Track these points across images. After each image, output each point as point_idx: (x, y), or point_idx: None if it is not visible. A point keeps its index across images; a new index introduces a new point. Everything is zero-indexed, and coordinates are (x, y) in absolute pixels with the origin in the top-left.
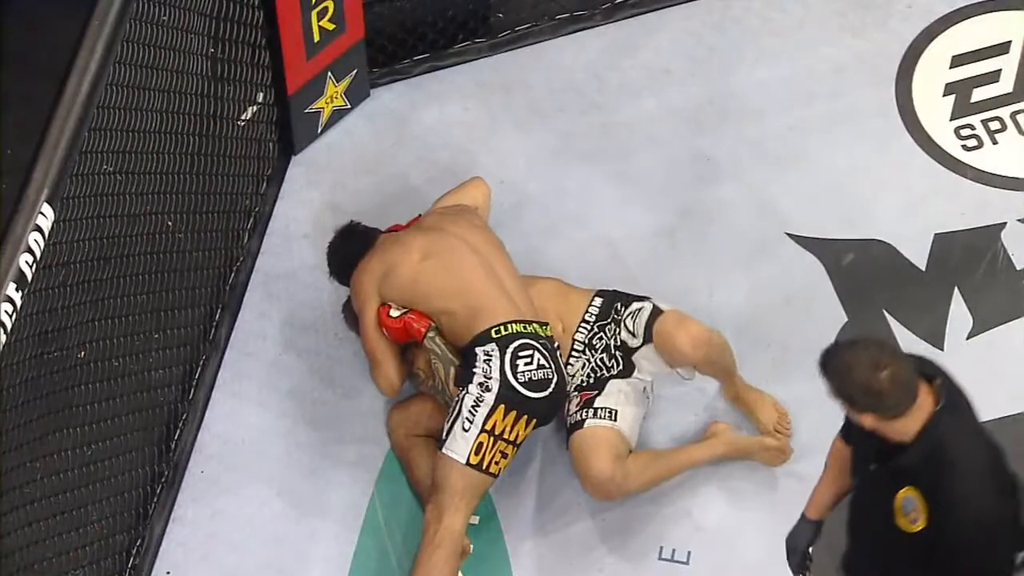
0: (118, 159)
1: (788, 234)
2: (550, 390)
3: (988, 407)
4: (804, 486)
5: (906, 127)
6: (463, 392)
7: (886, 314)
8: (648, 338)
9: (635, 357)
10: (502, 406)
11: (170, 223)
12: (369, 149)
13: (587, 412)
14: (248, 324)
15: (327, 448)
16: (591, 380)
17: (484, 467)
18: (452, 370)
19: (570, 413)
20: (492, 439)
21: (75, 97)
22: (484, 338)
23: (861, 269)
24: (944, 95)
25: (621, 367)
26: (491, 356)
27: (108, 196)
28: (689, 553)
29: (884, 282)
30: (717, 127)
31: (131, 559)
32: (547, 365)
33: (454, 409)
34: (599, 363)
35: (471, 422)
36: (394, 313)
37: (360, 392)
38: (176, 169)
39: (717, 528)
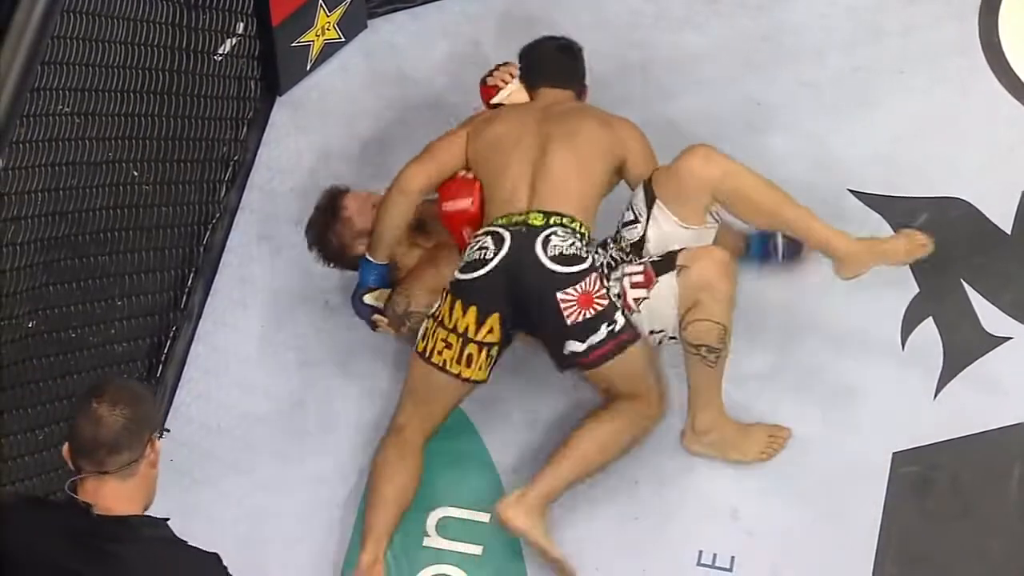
0: (76, 98)
1: (851, 191)
2: (482, 271)
3: None
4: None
5: (991, 67)
6: None
7: (964, 284)
8: (651, 199)
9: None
10: (449, 295)
11: (136, 173)
12: (365, 89)
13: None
14: (225, 291)
15: (316, 434)
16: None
17: (427, 355)
18: (427, 321)
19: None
20: (435, 324)
21: (26, 25)
22: None
23: (936, 232)
24: None
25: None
26: None
27: (65, 141)
28: (733, 559)
29: (963, 247)
30: (770, 67)
31: None
32: (490, 247)
33: None
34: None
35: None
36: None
37: (354, 370)
38: (143, 111)
39: (765, 530)
